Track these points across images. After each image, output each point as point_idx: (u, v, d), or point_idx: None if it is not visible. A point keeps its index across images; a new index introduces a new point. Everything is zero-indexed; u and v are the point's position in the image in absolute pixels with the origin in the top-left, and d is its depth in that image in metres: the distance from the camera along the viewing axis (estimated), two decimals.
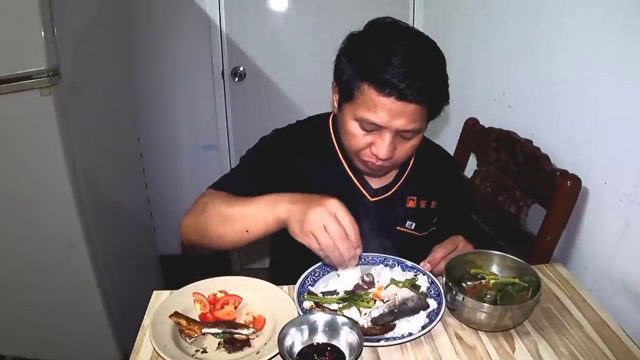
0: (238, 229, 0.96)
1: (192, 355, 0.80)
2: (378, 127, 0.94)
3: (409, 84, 0.88)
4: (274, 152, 1.10)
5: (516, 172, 1.35)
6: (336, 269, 0.95)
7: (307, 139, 1.13)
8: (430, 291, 0.94)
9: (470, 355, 0.82)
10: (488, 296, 0.88)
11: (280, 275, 0.99)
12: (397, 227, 1.13)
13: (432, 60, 0.94)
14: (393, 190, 1.12)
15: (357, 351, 0.73)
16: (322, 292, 0.94)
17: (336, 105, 1.03)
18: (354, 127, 0.97)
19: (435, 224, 1.17)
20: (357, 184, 1.11)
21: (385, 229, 1.11)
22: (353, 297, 0.91)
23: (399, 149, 0.98)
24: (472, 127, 1.60)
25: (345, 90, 0.96)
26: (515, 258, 0.94)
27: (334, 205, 0.85)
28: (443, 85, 0.96)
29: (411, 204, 1.13)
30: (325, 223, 0.83)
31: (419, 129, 0.96)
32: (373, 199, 1.11)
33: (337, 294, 0.93)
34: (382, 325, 0.85)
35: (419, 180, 1.14)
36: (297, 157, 1.09)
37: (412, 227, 1.13)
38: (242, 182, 1.07)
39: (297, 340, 0.77)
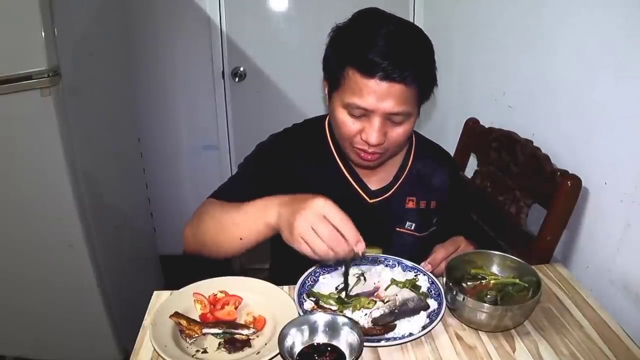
0: (232, 237, 0.95)
1: (193, 356, 0.80)
2: (366, 111, 0.93)
3: (392, 62, 0.87)
4: (271, 158, 1.10)
5: (516, 172, 1.35)
6: (337, 268, 0.95)
7: (303, 142, 1.12)
8: (431, 291, 0.94)
9: (470, 355, 0.82)
10: (488, 296, 0.89)
11: (281, 275, 0.99)
12: (397, 228, 1.12)
13: (416, 42, 0.93)
14: (391, 191, 1.11)
15: (357, 351, 0.73)
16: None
17: (327, 99, 1.02)
18: (343, 115, 0.96)
19: (435, 223, 1.16)
20: (355, 186, 1.10)
21: (384, 230, 1.11)
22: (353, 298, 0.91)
23: (390, 134, 0.96)
24: (472, 127, 1.60)
25: (333, 80, 0.97)
26: (515, 258, 0.94)
27: (320, 204, 0.79)
28: (428, 66, 0.95)
29: (410, 204, 1.12)
30: (314, 225, 0.78)
31: (408, 112, 0.94)
32: (372, 201, 1.11)
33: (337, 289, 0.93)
34: (383, 326, 0.85)
35: (418, 180, 1.13)
36: (295, 162, 1.09)
37: (412, 227, 1.13)
38: (240, 190, 1.06)
39: (297, 340, 0.77)
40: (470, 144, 1.61)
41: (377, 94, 0.90)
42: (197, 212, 1.05)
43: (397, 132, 0.97)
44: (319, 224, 0.78)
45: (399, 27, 0.93)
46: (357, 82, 0.90)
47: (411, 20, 2.22)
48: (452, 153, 1.61)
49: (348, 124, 0.96)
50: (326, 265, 0.96)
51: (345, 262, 0.89)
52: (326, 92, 1.02)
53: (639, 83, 1.03)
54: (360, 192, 1.10)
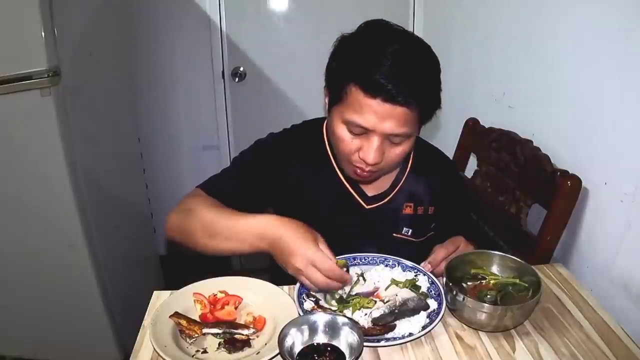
0: (224, 247, 0.95)
1: (193, 356, 0.80)
2: (365, 130, 0.91)
3: (397, 85, 0.86)
4: (269, 157, 1.09)
5: (516, 172, 1.35)
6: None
7: (301, 145, 1.11)
8: (431, 291, 0.94)
9: (470, 356, 0.82)
10: (488, 296, 0.89)
11: (281, 275, 0.99)
12: (394, 234, 1.11)
13: (422, 63, 0.91)
14: (389, 197, 1.10)
15: (357, 351, 0.73)
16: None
17: (327, 108, 1.01)
18: (342, 131, 0.94)
19: (433, 229, 1.15)
20: (352, 191, 1.09)
21: (381, 236, 1.10)
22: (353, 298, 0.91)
23: (388, 154, 0.95)
24: (472, 127, 1.60)
25: (334, 93, 0.95)
26: (515, 258, 0.94)
27: (311, 254, 0.85)
28: (433, 89, 0.93)
29: (408, 210, 1.11)
30: (305, 271, 0.86)
31: (408, 134, 0.93)
32: (368, 207, 1.10)
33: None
34: (383, 326, 0.85)
35: (416, 186, 1.11)
36: (292, 164, 1.08)
37: (409, 233, 1.12)
38: (234, 185, 1.06)
39: (297, 340, 0.77)
40: (470, 144, 1.61)
41: (378, 114, 0.88)
42: (187, 202, 1.03)
43: (395, 152, 0.96)
44: (310, 272, 0.86)
45: (407, 46, 0.90)
46: (359, 100, 0.89)
47: (411, 20, 2.23)
48: (452, 153, 1.61)
49: (347, 140, 0.95)
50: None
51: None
52: (326, 101, 1.00)
53: (639, 83, 1.03)
54: (357, 197, 1.09)
